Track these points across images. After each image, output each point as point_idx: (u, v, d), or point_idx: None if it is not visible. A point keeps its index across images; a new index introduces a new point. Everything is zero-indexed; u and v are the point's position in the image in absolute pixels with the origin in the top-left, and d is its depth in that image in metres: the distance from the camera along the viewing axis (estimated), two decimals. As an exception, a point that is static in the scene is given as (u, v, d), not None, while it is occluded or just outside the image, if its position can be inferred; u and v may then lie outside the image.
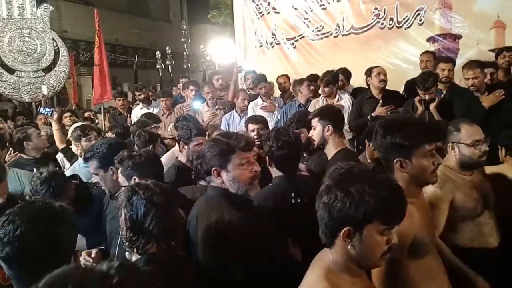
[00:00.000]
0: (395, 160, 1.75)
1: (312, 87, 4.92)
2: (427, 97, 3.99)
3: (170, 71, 13.60)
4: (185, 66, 15.02)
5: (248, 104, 5.22)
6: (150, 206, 1.65)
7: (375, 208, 1.24)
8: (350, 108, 4.69)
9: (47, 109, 5.01)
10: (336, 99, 4.72)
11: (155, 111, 6.16)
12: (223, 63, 12.26)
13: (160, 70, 13.75)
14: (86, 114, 6.54)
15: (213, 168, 1.98)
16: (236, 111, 5.18)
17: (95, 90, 7.47)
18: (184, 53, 15.01)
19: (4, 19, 7.62)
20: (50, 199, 1.86)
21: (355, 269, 1.33)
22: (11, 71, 7.66)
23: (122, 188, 1.80)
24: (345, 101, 4.74)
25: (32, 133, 4.07)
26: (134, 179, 2.18)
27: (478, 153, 2.38)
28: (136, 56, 14.81)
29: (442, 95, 4.25)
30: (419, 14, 5.70)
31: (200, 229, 1.93)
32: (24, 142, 4.01)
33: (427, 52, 5.28)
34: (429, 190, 2.26)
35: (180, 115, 4.51)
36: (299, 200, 2.30)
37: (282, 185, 2.36)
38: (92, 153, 2.62)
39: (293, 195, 2.31)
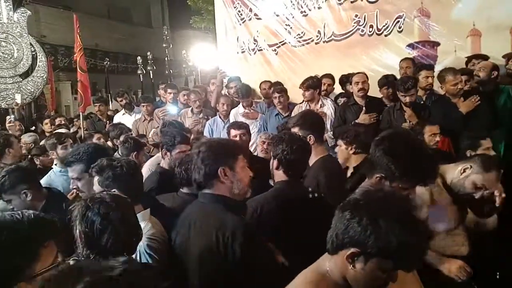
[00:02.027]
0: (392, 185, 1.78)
1: (281, 98, 4.91)
2: (407, 99, 4.06)
3: (151, 76, 13.50)
4: (166, 72, 14.93)
5: (229, 109, 5.20)
6: (106, 223, 1.58)
7: (394, 250, 1.18)
8: (333, 114, 4.73)
9: None
10: (318, 105, 4.75)
11: (137, 117, 6.10)
12: (205, 69, 12.23)
13: (141, 75, 13.62)
14: (57, 121, 6.26)
15: (221, 167, 1.88)
16: (220, 117, 5.16)
17: (84, 96, 7.36)
18: (166, 58, 14.93)
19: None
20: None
21: (347, 286, 1.31)
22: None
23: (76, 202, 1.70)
24: (327, 108, 4.78)
25: (14, 141, 4.02)
26: (114, 192, 2.05)
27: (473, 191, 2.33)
28: (107, 60, 14.54)
29: (422, 102, 4.33)
30: (398, 21, 5.80)
31: (197, 236, 1.86)
32: (6, 149, 3.93)
33: (406, 58, 5.39)
34: (418, 190, 2.29)
35: (166, 120, 4.46)
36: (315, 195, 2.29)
37: (286, 190, 2.31)
38: (77, 156, 2.53)
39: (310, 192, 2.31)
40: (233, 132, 3.69)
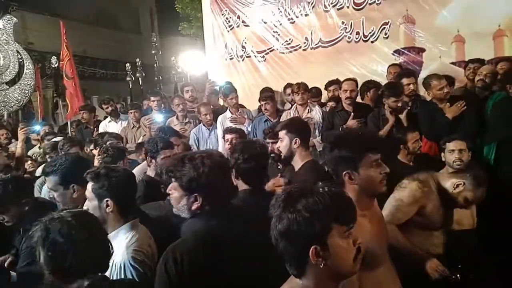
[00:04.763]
0: (344, 173, 1.78)
1: (268, 105, 4.92)
2: (399, 104, 4.12)
3: (140, 83, 13.43)
4: (156, 78, 14.88)
5: (211, 117, 5.19)
6: (69, 244, 1.51)
7: (327, 214, 1.24)
8: (320, 119, 4.76)
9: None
10: (306, 110, 4.78)
11: (123, 124, 6.07)
12: (194, 75, 12.22)
13: (130, 82, 13.55)
14: (41, 131, 6.16)
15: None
16: (204, 125, 5.16)
17: (71, 103, 7.33)
18: (155, 65, 14.89)
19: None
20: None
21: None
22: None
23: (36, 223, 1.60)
24: (315, 113, 4.81)
25: None
26: (107, 201, 2.00)
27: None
28: (83, 66, 14.33)
29: (408, 108, 4.39)
30: (384, 28, 5.91)
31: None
32: None
33: (394, 64, 5.47)
34: (411, 186, 2.46)
35: (159, 128, 4.48)
36: None
37: (247, 200, 2.27)
38: (53, 167, 2.49)
39: None
40: (227, 136, 3.76)
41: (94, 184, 2.02)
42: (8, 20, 7.69)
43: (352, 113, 4.53)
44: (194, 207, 1.74)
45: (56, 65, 9.56)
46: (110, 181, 2.01)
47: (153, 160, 3.19)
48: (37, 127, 5.89)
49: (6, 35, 7.62)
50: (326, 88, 5.53)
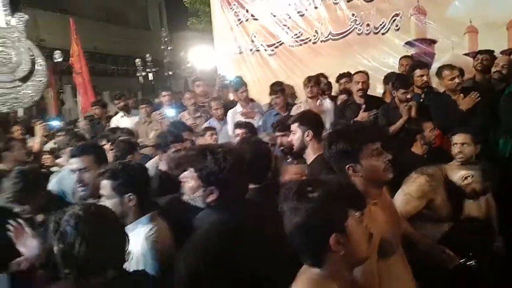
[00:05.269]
0: (347, 167, 1.78)
1: (277, 99, 4.92)
2: (409, 95, 4.10)
3: (151, 78, 13.52)
4: (166, 74, 14.96)
5: (222, 112, 5.22)
6: (80, 237, 1.51)
7: (343, 201, 1.27)
8: (332, 113, 4.75)
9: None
10: (317, 103, 4.77)
11: (135, 119, 6.12)
12: (204, 70, 12.25)
13: (141, 78, 13.64)
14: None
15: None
16: (215, 119, 5.19)
17: (82, 98, 7.44)
18: (165, 60, 14.96)
19: (-22, 29, 7.47)
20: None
21: (343, 275, 1.32)
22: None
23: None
24: (326, 106, 4.79)
25: (15, 144, 4.06)
26: (129, 196, 2.02)
27: None
28: (94, 62, 14.46)
29: (421, 100, 4.36)
30: (395, 19, 5.83)
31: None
32: (6, 152, 3.98)
33: (406, 56, 5.40)
34: (419, 181, 2.47)
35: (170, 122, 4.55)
36: None
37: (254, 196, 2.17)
38: (86, 147, 2.55)
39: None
40: (237, 131, 3.75)
41: (113, 181, 2.02)
42: (20, 17, 7.74)
43: (363, 106, 4.51)
44: (209, 199, 1.76)
45: (59, 60, 9.61)
46: (130, 176, 2.04)
47: (164, 154, 3.24)
48: (54, 122, 5.95)
49: (18, 32, 7.68)
50: (337, 81, 5.50)
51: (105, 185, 2.04)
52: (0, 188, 2.65)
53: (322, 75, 5.41)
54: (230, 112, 5.20)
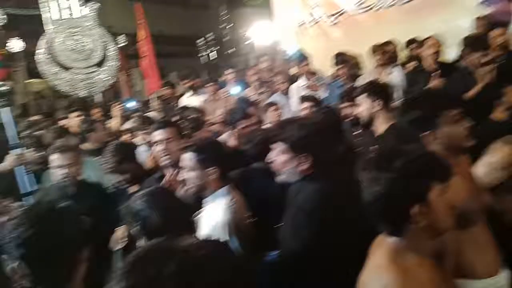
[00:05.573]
0: (425, 134, 1.74)
1: (341, 70, 4.81)
2: (486, 59, 3.84)
3: (213, 57, 13.77)
4: (228, 51, 15.15)
5: (288, 86, 5.22)
6: (157, 213, 1.70)
7: (427, 171, 1.24)
8: (401, 82, 4.56)
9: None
10: (385, 73, 4.61)
11: (202, 98, 6.33)
12: (264, 45, 12.23)
13: (204, 57, 13.95)
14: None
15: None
16: (280, 94, 5.22)
17: (147, 80, 7.86)
18: (226, 38, 15.13)
19: (56, 21, 8.06)
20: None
21: (423, 247, 1.31)
22: (66, 69, 8.14)
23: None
24: (395, 75, 4.61)
25: (97, 126, 4.46)
26: (213, 169, 2.13)
27: None
28: (160, 44, 14.84)
29: (501, 62, 4.05)
30: (467, -24, 5.41)
31: None
32: (91, 133, 4.35)
33: (481, 17, 5.01)
34: (504, 150, 2.30)
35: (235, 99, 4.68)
36: None
37: None
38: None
39: None
40: (304, 105, 3.76)
41: (198, 155, 2.15)
42: (92, 6, 8.27)
43: (436, 72, 4.29)
44: (304, 167, 1.76)
45: (123, 44, 10.05)
46: (214, 151, 2.20)
47: (233, 130, 3.36)
48: (129, 104, 6.36)
49: (91, 20, 8.22)
50: (406, 47, 5.26)
51: (190, 157, 2.16)
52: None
53: (389, 42, 5.19)
54: (293, 86, 5.21)
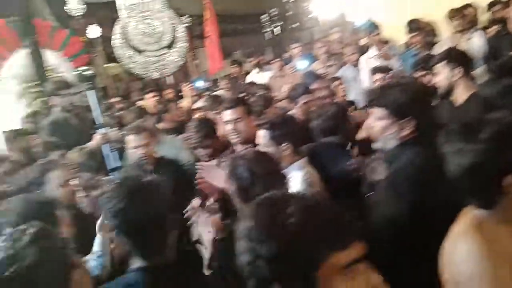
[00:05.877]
0: None
1: (414, 38, 4.54)
2: None
3: (277, 33, 13.67)
4: (291, 26, 14.94)
5: (357, 57, 5.08)
6: (253, 177, 1.79)
7: None
8: (483, 47, 4.21)
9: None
10: (465, 38, 4.28)
11: (269, 74, 6.36)
12: (328, 19, 11.90)
13: (268, 33, 13.89)
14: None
15: None
16: (351, 65, 5.09)
17: (210, 60, 8.04)
18: (289, 13, 14.90)
19: (129, 6, 8.45)
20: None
21: None
22: (139, 52, 8.56)
23: None
24: (476, 41, 4.26)
25: (171, 106, 4.66)
26: (286, 145, 2.24)
27: None
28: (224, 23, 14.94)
29: None
30: None
31: None
32: (165, 114, 4.59)
33: None
34: None
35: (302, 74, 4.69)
36: None
37: None
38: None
39: None
40: (375, 76, 3.72)
41: (272, 131, 2.24)
42: (159, -12, 8.54)
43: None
44: (405, 132, 1.70)
45: (187, 25, 10.26)
46: (287, 127, 2.28)
47: (296, 105, 3.46)
48: (199, 83, 6.58)
49: (161, 3, 8.51)
50: (488, 10, 4.83)
51: (264, 134, 2.26)
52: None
53: (468, 5, 4.80)
54: (363, 58, 5.05)
